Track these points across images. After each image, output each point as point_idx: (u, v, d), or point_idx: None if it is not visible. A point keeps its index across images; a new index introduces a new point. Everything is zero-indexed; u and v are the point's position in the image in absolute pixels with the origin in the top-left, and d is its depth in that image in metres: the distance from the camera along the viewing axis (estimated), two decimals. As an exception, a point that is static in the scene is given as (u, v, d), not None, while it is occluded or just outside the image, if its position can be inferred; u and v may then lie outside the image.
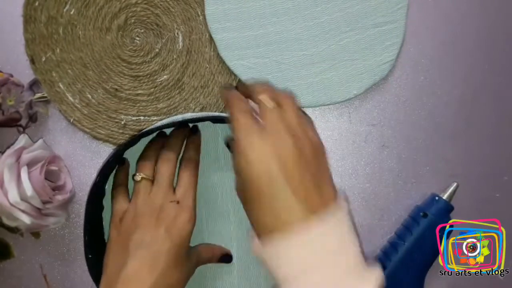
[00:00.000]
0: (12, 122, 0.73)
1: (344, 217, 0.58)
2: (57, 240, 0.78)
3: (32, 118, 0.75)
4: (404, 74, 0.80)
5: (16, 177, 0.69)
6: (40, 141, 0.74)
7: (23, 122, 0.74)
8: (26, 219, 0.68)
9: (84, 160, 0.78)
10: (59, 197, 0.72)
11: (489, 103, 0.81)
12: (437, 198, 0.77)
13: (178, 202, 0.69)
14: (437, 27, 0.80)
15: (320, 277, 0.54)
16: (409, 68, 0.80)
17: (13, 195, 0.68)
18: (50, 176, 0.73)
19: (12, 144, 0.72)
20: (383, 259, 0.77)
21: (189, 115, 0.73)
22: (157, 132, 0.74)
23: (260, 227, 0.58)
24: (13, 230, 0.73)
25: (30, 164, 0.71)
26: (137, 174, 0.70)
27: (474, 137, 0.81)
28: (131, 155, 0.74)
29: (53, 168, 0.73)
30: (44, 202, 0.70)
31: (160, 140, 0.74)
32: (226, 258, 0.77)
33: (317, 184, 0.57)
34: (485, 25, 0.81)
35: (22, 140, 0.72)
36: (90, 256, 0.71)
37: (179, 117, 0.72)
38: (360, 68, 0.77)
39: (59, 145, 0.78)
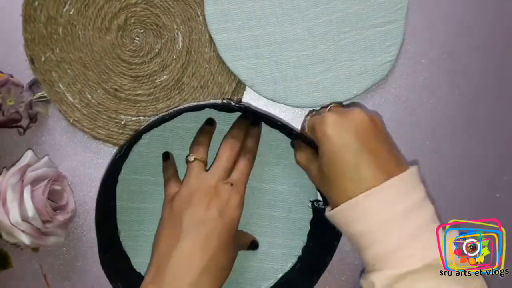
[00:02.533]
0: (12, 123, 0.73)
1: (420, 181, 0.64)
2: (57, 240, 0.78)
3: (33, 119, 0.75)
4: (404, 74, 0.80)
5: (18, 196, 0.69)
6: (46, 158, 0.74)
7: (23, 123, 0.74)
8: (25, 239, 0.69)
9: (84, 160, 0.78)
10: (60, 217, 0.72)
11: (489, 103, 0.81)
12: None
13: (232, 184, 0.70)
14: (437, 27, 0.80)
15: (404, 227, 0.60)
16: (409, 68, 0.80)
17: (14, 215, 0.68)
18: (52, 195, 0.73)
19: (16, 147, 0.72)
20: None
21: (189, 104, 0.74)
22: (206, 120, 0.76)
23: (343, 194, 0.62)
24: (13, 244, 0.73)
25: (34, 182, 0.71)
26: (191, 155, 0.72)
27: (474, 137, 0.81)
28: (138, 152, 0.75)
29: (57, 187, 0.73)
30: (44, 221, 0.70)
31: (210, 127, 0.76)
32: (254, 245, 0.78)
33: (392, 153, 0.64)
34: (485, 25, 0.81)
35: (27, 156, 0.73)
36: (108, 255, 0.72)
37: (183, 106, 0.73)
38: (360, 69, 0.77)
39: (59, 145, 0.78)
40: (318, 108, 0.77)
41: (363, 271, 0.64)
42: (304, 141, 0.72)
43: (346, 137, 0.63)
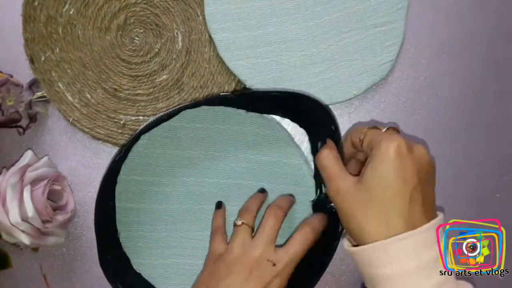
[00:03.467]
0: (12, 123, 0.73)
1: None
2: (56, 240, 0.78)
3: (32, 119, 0.75)
4: (404, 74, 0.80)
5: (18, 196, 0.69)
6: (45, 158, 0.74)
7: (23, 123, 0.74)
8: (25, 239, 0.69)
9: (84, 160, 0.78)
10: (60, 217, 0.72)
11: (489, 103, 0.81)
12: None
13: (274, 265, 0.68)
14: (437, 27, 0.80)
15: (424, 279, 0.58)
16: (409, 68, 0.80)
17: (14, 215, 0.68)
18: (52, 195, 0.73)
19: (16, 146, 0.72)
20: None
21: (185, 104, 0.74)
22: (259, 189, 0.76)
23: (383, 225, 0.60)
24: (13, 244, 0.73)
25: (34, 182, 0.71)
26: (238, 219, 0.71)
27: (474, 137, 0.81)
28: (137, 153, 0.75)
29: (56, 187, 0.73)
30: (44, 221, 0.70)
31: (262, 195, 0.75)
32: None
33: (425, 209, 0.61)
34: (485, 25, 0.81)
35: (27, 156, 0.73)
36: (108, 256, 0.73)
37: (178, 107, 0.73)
38: (360, 68, 0.77)
39: (59, 145, 0.78)
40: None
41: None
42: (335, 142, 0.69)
43: (408, 168, 0.60)
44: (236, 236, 0.71)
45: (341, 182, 0.64)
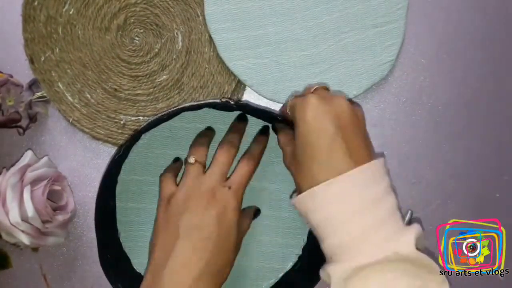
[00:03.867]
0: (12, 123, 0.73)
1: (385, 173, 0.62)
2: (56, 240, 0.78)
3: (32, 119, 0.75)
4: (404, 74, 0.80)
5: (18, 196, 0.69)
6: (45, 158, 0.74)
7: (23, 123, 0.74)
8: (25, 239, 0.69)
9: (84, 160, 0.78)
10: (60, 218, 0.72)
11: (489, 103, 0.81)
12: None
13: (229, 188, 0.69)
14: (437, 27, 0.80)
15: (366, 217, 0.59)
16: (409, 68, 0.80)
17: (14, 215, 0.68)
18: (52, 195, 0.73)
19: (15, 147, 0.72)
20: None
21: (188, 104, 0.74)
22: (206, 127, 0.75)
23: (309, 179, 0.61)
24: (13, 244, 0.73)
25: (34, 182, 0.71)
26: (191, 156, 0.70)
27: (474, 137, 0.81)
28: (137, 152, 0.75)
29: (56, 187, 0.73)
30: (44, 222, 0.70)
31: (210, 132, 0.75)
32: (257, 213, 0.77)
33: (366, 146, 0.63)
34: (485, 25, 0.81)
35: (27, 156, 0.73)
36: (108, 256, 0.72)
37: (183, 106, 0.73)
38: (359, 69, 0.77)
39: (59, 145, 0.78)
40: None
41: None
42: (285, 122, 0.71)
43: (324, 121, 0.61)
44: (188, 173, 0.70)
45: (287, 151, 0.68)
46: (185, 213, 0.67)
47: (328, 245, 0.60)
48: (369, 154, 0.63)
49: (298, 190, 0.64)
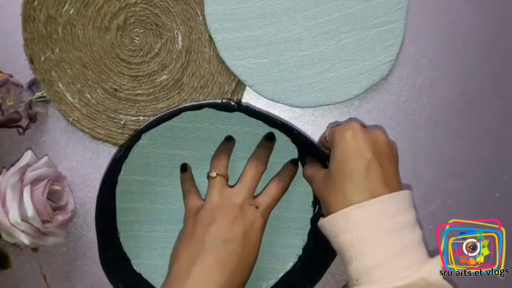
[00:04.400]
0: (12, 123, 0.73)
1: (412, 205, 0.64)
2: (56, 240, 0.78)
3: (32, 119, 0.75)
4: (404, 74, 0.80)
5: (18, 196, 0.69)
6: (45, 158, 0.74)
7: (23, 123, 0.74)
8: (25, 239, 0.69)
9: (84, 160, 0.78)
10: (60, 218, 0.72)
11: (489, 103, 0.81)
12: None
13: (257, 208, 0.70)
14: (437, 27, 0.80)
15: (391, 243, 0.60)
16: (409, 68, 0.80)
17: (14, 215, 0.68)
18: (52, 195, 0.73)
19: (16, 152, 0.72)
20: None
21: (188, 103, 0.74)
22: (226, 137, 0.76)
23: (343, 200, 0.63)
24: (13, 244, 0.73)
25: (33, 182, 0.71)
26: (212, 171, 0.72)
27: (474, 137, 0.81)
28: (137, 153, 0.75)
29: (56, 187, 0.73)
30: (44, 221, 0.70)
31: (230, 143, 0.76)
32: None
33: (397, 177, 0.65)
34: (485, 25, 0.81)
35: (27, 156, 0.73)
36: (108, 255, 0.73)
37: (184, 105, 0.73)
38: (359, 68, 0.77)
39: (59, 145, 0.78)
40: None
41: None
42: (316, 155, 0.73)
43: (363, 146, 0.63)
44: (213, 187, 0.71)
45: (317, 177, 0.69)
46: (212, 225, 0.68)
47: (356, 266, 0.61)
48: (400, 184, 0.65)
49: (327, 212, 0.65)
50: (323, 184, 0.67)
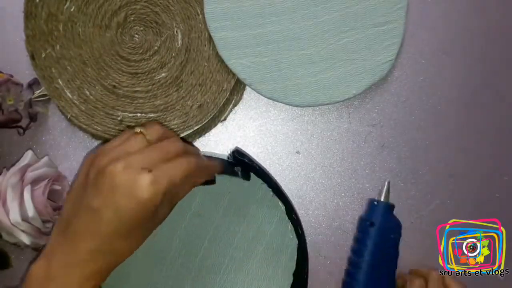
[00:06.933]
0: (12, 123, 0.74)
1: None
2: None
3: (33, 118, 0.75)
4: (404, 74, 0.80)
5: (19, 196, 0.69)
6: (46, 158, 0.74)
7: (23, 123, 0.75)
8: (25, 239, 0.69)
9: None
10: None
11: (489, 103, 0.80)
12: (375, 202, 0.76)
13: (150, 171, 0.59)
14: (437, 27, 0.80)
15: None
16: (409, 68, 0.80)
17: (15, 215, 0.68)
18: (52, 195, 0.73)
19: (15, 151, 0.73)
20: (350, 282, 0.76)
21: None
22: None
23: None
24: (13, 243, 0.73)
25: (34, 182, 0.71)
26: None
27: (474, 137, 0.80)
28: None
29: (57, 187, 0.74)
30: (44, 221, 0.70)
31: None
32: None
33: None
34: (485, 25, 0.81)
35: (27, 157, 0.73)
36: None
37: None
38: (359, 68, 0.77)
39: (59, 145, 0.78)
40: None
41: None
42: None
43: None
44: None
45: None
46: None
47: None
48: None
49: None
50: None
